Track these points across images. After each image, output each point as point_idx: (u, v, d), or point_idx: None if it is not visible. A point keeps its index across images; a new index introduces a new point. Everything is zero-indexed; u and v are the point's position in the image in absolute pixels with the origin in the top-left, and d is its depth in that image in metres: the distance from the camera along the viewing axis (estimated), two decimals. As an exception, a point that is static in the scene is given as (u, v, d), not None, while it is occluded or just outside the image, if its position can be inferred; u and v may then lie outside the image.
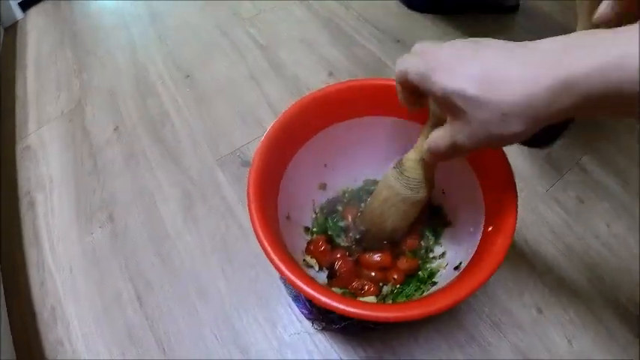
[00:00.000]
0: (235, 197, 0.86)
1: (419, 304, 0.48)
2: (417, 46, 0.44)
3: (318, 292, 0.48)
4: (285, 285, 0.74)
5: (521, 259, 0.76)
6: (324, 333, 0.70)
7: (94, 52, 1.21)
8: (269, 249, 0.51)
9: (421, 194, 0.57)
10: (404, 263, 0.66)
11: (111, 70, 1.15)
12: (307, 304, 0.70)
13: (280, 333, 0.71)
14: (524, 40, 0.37)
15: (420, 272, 0.66)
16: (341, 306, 0.47)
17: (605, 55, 0.33)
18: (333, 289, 0.63)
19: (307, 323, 0.71)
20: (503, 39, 0.38)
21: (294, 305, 0.72)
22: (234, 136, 0.95)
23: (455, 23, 1.15)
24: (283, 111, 0.62)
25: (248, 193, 0.55)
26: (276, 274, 0.75)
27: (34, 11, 1.43)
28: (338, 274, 0.65)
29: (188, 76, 1.10)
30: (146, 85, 1.10)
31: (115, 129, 1.01)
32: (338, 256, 0.67)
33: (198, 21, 1.25)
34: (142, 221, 0.85)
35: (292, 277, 0.49)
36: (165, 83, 1.09)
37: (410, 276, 0.66)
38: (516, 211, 0.51)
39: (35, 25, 1.37)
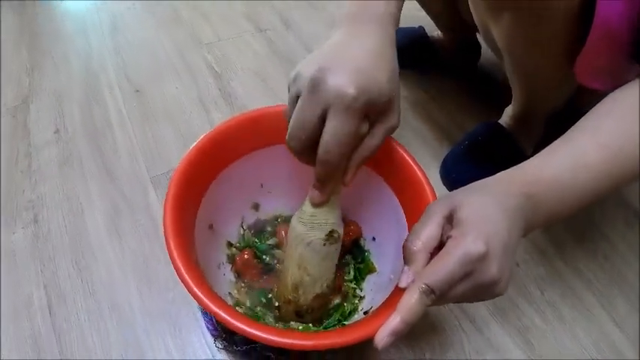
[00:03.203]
0: (163, 218, 0.87)
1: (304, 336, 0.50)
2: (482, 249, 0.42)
3: (212, 302, 0.47)
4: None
5: (450, 316, 0.76)
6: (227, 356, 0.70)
7: (50, 54, 1.21)
8: (172, 245, 0.51)
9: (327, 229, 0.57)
10: None
11: (63, 74, 1.16)
12: (213, 318, 0.69)
13: (189, 362, 0.71)
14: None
15: (345, 304, 0.67)
16: (229, 318, 0.47)
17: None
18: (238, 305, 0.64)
19: (219, 355, 0.71)
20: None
21: (207, 334, 0.72)
22: (172, 157, 0.97)
23: (412, 79, 1.16)
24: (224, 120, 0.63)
25: (167, 192, 0.56)
26: (193, 302, 0.73)
27: (-1, 5, 1.41)
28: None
29: (138, 90, 1.11)
30: (94, 93, 1.11)
31: (55, 131, 1.02)
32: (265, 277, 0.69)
33: (157, 39, 1.26)
34: (65, 228, 0.85)
35: (187, 278, 0.49)
36: (114, 94, 1.10)
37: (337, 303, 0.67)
38: None
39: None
